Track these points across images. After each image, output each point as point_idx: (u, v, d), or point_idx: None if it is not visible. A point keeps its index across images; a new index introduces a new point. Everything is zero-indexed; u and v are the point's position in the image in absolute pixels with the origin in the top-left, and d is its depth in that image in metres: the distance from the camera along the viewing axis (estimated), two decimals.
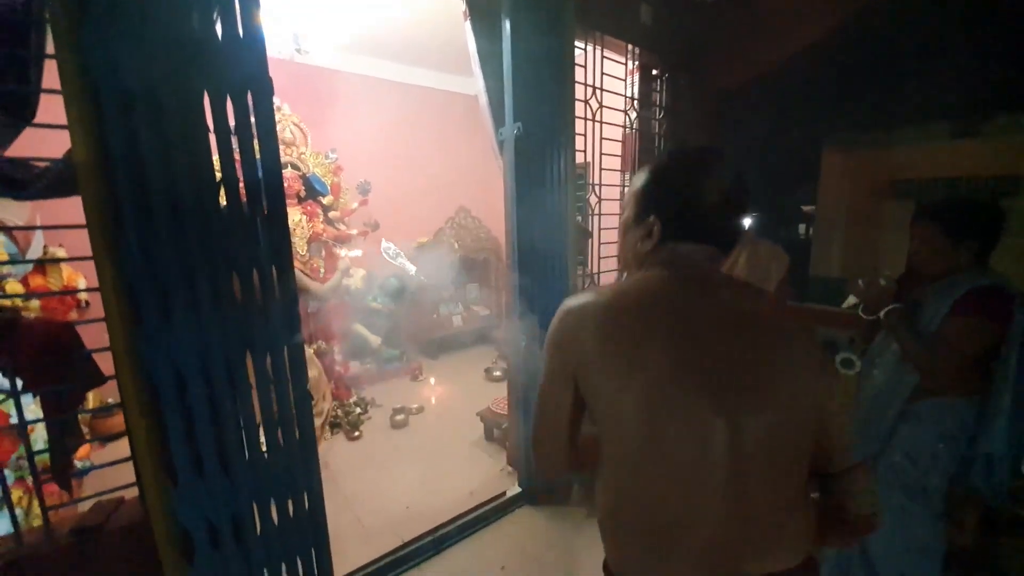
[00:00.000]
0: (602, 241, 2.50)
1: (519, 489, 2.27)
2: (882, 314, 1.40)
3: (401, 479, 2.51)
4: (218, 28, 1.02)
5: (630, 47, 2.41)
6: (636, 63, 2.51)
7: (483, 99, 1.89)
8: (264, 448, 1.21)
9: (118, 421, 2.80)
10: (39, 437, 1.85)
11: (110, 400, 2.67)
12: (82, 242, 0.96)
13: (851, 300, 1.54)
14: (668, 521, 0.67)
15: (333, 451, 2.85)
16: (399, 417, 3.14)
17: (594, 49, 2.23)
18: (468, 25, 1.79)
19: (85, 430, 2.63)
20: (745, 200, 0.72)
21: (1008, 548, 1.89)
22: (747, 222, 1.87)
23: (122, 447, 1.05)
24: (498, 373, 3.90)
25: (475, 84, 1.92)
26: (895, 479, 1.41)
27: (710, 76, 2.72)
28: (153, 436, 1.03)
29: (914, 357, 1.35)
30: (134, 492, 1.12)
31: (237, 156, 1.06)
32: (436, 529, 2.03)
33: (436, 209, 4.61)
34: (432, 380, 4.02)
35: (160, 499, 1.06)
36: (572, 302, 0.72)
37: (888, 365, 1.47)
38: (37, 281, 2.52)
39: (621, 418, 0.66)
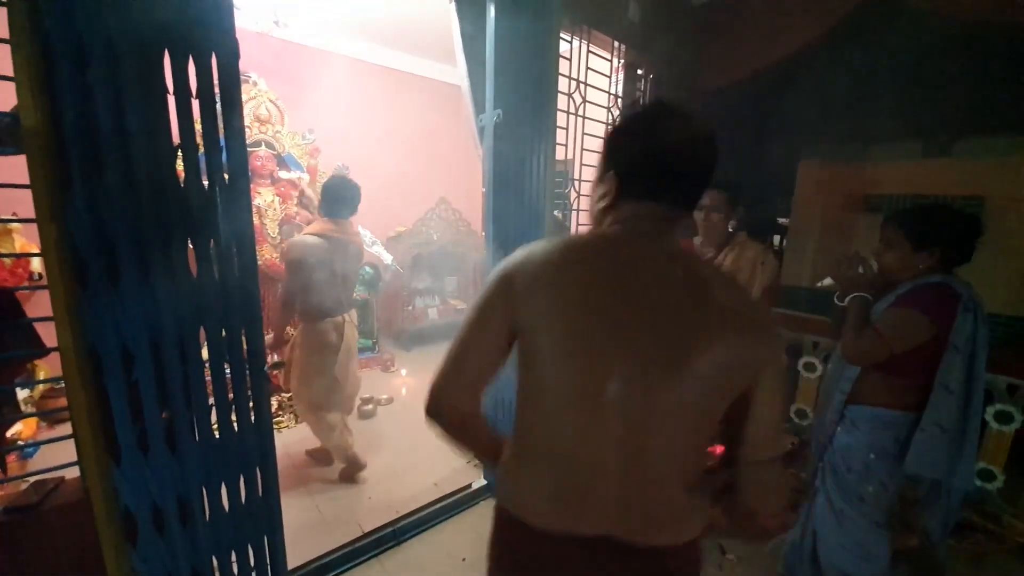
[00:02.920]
0: None
1: (484, 481, 2.26)
2: (846, 300, 1.38)
3: (368, 469, 2.46)
4: None
5: (616, 44, 2.41)
6: (622, 61, 2.52)
7: (465, 84, 1.86)
8: (216, 429, 1.16)
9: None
10: None
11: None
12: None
13: (827, 281, 1.49)
14: (569, 469, 0.67)
15: (295, 439, 2.78)
16: (367, 407, 3.09)
17: (580, 43, 2.23)
18: (453, 7, 1.76)
19: (32, 408, 2.49)
20: (707, 159, 0.67)
21: (955, 551, 1.99)
22: (733, 223, 1.85)
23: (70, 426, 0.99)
24: None
25: (459, 70, 1.89)
26: (833, 481, 1.42)
27: (694, 79, 2.74)
28: (95, 412, 0.97)
29: (844, 342, 1.33)
30: (75, 472, 1.06)
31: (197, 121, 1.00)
32: (398, 520, 2.00)
33: (416, 199, 4.54)
34: (404, 371, 3.97)
35: (101, 479, 1.00)
36: (529, 246, 0.72)
37: (836, 360, 1.48)
38: None
39: (538, 359, 0.67)
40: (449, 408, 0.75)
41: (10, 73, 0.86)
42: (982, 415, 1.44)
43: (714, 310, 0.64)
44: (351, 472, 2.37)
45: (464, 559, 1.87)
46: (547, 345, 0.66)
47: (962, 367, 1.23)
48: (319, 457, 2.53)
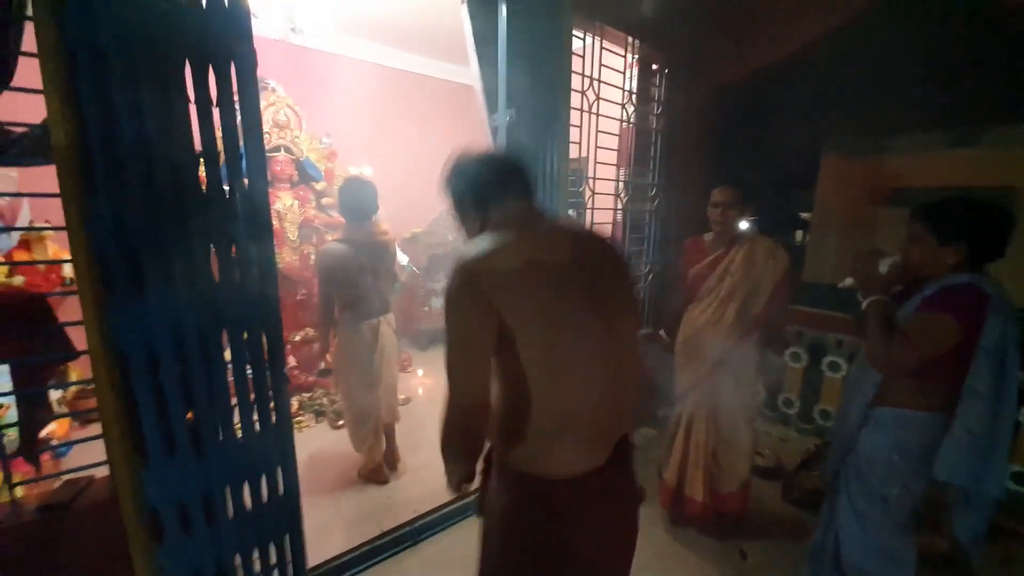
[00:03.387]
0: None
1: None
2: (864, 303, 1.32)
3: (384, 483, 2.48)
4: None
5: (630, 39, 2.38)
6: (636, 56, 2.49)
7: (478, 84, 1.86)
8: (239, 430, 1.19)
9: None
10: (11, 414, 1.82)
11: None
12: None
13: (848, 281, 1.42)
14: (585, 419, 0.84)
15: (316, 439, 2.82)
16: None
17: (593, 39, 2.21)
18: (464, 7, 1.76)
19: (65, 409, 2.59)
20: (514, 164, 0.93)
21: (984, 555, 1.90)
22: (744, 224, 1.83)
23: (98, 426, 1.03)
24: None
25: (471, 71, 1.89)
26: (856, 482, 1.38)
27: (710, 73, 2.69)
28: (123, 413, 1.00)
29: (869, 350, 1.28)
30: (105, 471, 1.09)
31: (218, 128, 1.03)
32: (415, 520, 2.02)
33: (431, 200, 4.55)
34: (420, 372, 4.00)
35: (129, 478, 1.03)
36: (472, 256, 0.79)
37: (860, 361, 1.43)
38: (22, 256, 2.47)
39: (534, 348, 0.79)
40: (477, 442, 0.91)
41: (38, 86, 0.89)
42: (1016, 420, 1.38)
43: (609, 256, 0.89)
44: (368, 477, 2.40)
45: None
46: (539, 333, 0.78)
47: (992, 370, 1.17)
48: (369, 475, 2.43)
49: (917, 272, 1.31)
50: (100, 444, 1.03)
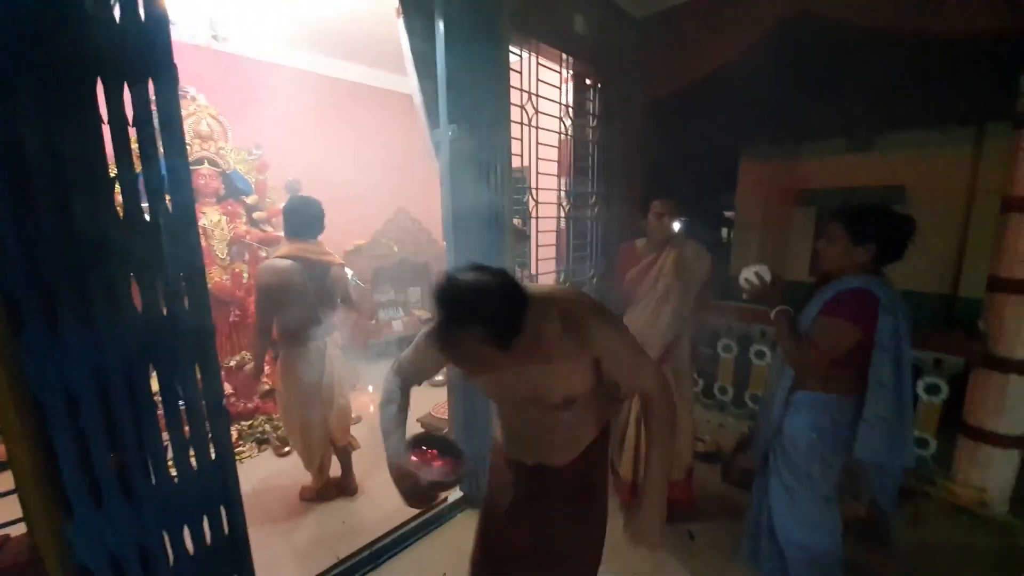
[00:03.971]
0: (540, 244, 2.55)
1: (460, 493, 2.25)
2: (772, 314, 1.51)
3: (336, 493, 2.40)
4: (116, 10, 0.92)
5: (565, 56, 2.48)
6: (571, 72, 2.59)
7: (418, 99, 1.86)
8: (174, 471, 1.10)
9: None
10: None
11: None
12: None
13: (747, 273, 1.60)
14: (517, 435, 1.20)
15: (260, 468, 2.66)
16: None
17: (530, 56, 2.27)
18: (401, 23, 1.76)
19: None
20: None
21: (896, 514, 2.16)
22: (677, 225, 1.98)
23: (7, 478, 0.92)
24: (439, 378, 3.83)
25: (411, 85, 1.89)
26: (783, 461, 1.54)
27: (640, 88, 2.86)
28: (40, 463, 0.90)
29: (785, 354, 1.47)
30: (23, 528, 0.98)
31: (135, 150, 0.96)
32: (374, 543, 1.96)
33: (373, 211, 4.46)
34: (370, 387, 3.88)
35: (52, 535, 0.93)
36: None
37: (779, 353, 1.61)
38: None
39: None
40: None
41: None
42: (914, 394, 1.60)
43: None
44: (314, 498, 2.33)
45: (444, 574, 1.86)
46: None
47: (891, 363, 1.35)
48: (314, 495, 2.38)
49: (829, 267, 1.48)
50: (11, 500, 0.93)
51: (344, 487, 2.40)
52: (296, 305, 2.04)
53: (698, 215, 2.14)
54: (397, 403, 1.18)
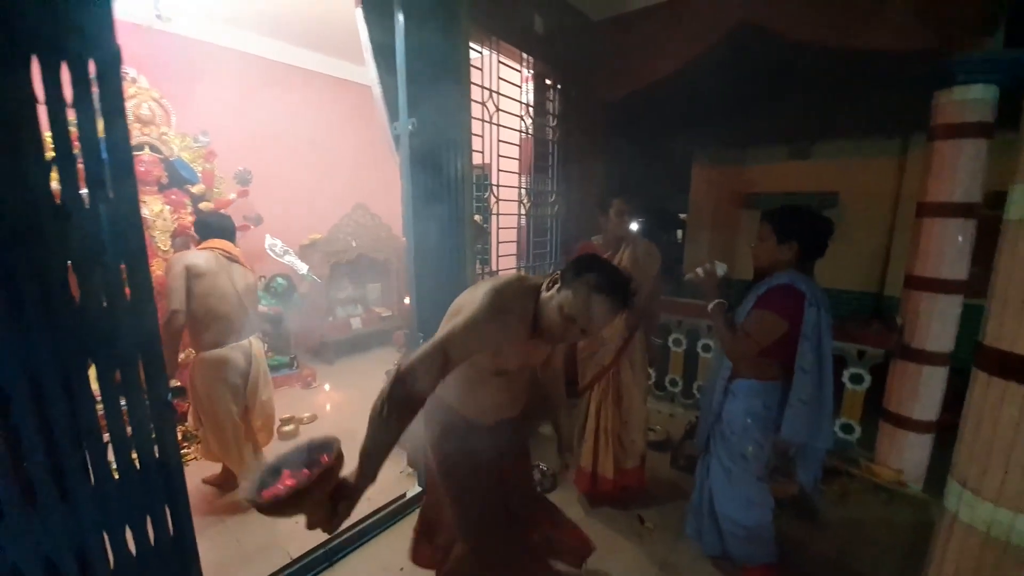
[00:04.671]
0: (500, 240, 2.58)
1: (419, 489, 2.26)
2: (709, 307, 1.64)
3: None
4: None
5: (525, 56, 2.52)
6: (531, 71, 2.63)
7: (376, 90, 1.84)
8: (114, 469, 1.05)
9: None
10: None
11: None
12: None
13: (692, 275, 1.74)
14: (496, 400, 1.34)
15: (208, 468, 2.54)
16: (287, 428, 2.92)
17: (490, 53, 2.30)
18: (359, 12, 1.73)
19: None
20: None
21: (825, 493, 2.36)
22: (633, 225, 2.09)
23: None
24: None
25: (369, 76, 1.87)
26: (722, 444, 1.67)
27: (598, 89, 2.94)
28: None
29: (721, 343, 1.60)
30: None
31: (74, 134, 0.91)
32: (329, 540, 1.93)
33: (330, 205, 4.34)
34: (327, 386, 3.79)
35: None
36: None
37: (718, 345, 1.74)
38: None
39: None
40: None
41: None
42: (837, 380, 1.76)
43: None
44: (216, 483, 2.31)
45: (402, 569, 1.86)
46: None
47: (813, 351, 1.49)
48: (220, 483, 2.34)
49: (762, 265, 1.61)
50: None
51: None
52: (215, 300, 2.00)
53: (654, 216, 2.25)
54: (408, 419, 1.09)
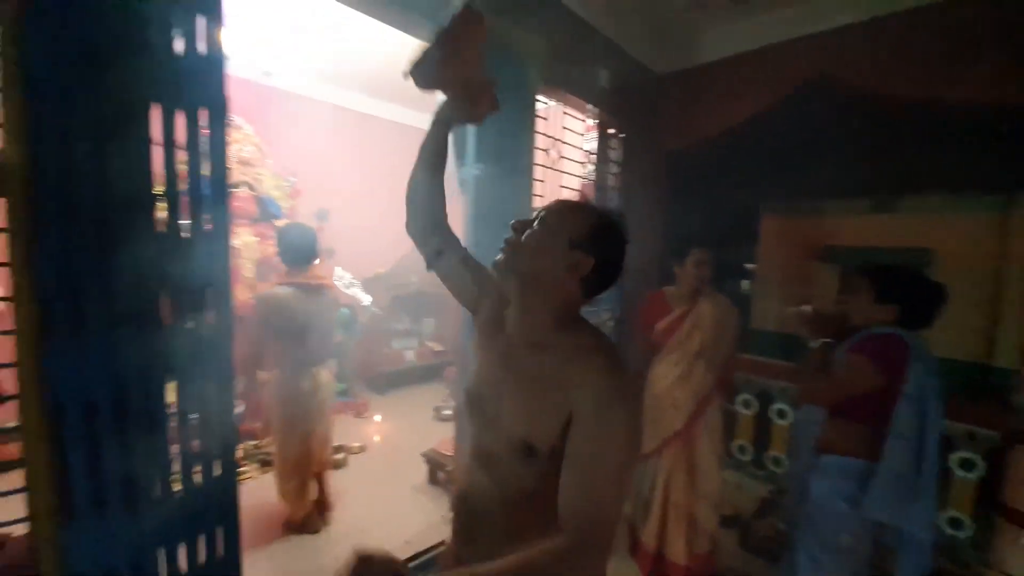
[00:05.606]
0: None
1: None
2: (813, 344, 1.45)
3: (333, 525, 2.34)
4: (178, 42, 1.01)
5: (589, 106, 2.58)
6: (595, 121, 2.69)
7: (448, 139, 1.95)
8: (179, 486, 1.11)
9: (14, 449, 2.47)
10: None
11: (10, 424, 2.36)
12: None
13: (796, 310, 1.56)
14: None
15: (259, 490, 2.62)
16: (338, 456, 2.96)
17: (556, 105, 2.38)
18: None
19: None
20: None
21: None
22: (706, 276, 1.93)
23: (15, 478, 0.93)
24: (448, 412, 3.79)
25: None
26: (810, 530, 1.43)
27: (661, 139, 2.94)
28: (51, 465, 0.92)
29: (804, 383, 1.41)
30: (23, 529, 0.98)
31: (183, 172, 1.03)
32: None
33: (395, 241, 4.57)
34: (378, 417, 3.85)
35: (52, 538, 0.93)
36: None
37: (804, 409, 1.54)
38: None
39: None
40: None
41: None
42: (942, 463, 1.49)
43: None
44: (298, 529, 2.28)
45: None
46: None
47: (914, 415, 1.28)
48: (301, 528, 2.30)
49: (850, 322, 1.45)
50: (8, 499, 0.94)
51: (323, 509, 2.38)
52: (293, 332, 2.10)
53: (718, 265, 2.13)
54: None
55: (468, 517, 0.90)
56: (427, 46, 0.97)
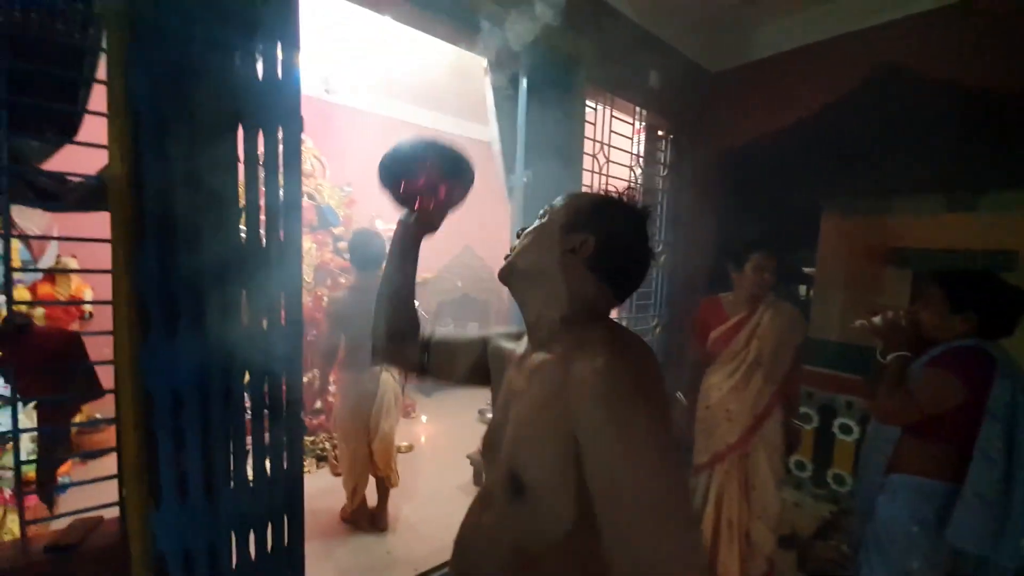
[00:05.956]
0: None
1: None
2: (888, 357, 1.34)
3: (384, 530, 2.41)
4: (259, 66, 1.10)
5: (637, 108, 2.55)
6: (643, 123, 2.65)
7: (496, 146, 1.98)
8: (251, 476, 1.19)
9: (103, 437, 2.74)
10: (23, 448, 1.81)
11: (98, 415, 2.63)
12: (94, 255, 1.00)
13: (863, 322, 1.44)
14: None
15: (314, 484, 2.76)
16: None
17: (604, 108, 2.37)
18: (488, 80, 1.92)
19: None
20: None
21: None
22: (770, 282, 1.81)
23: (104, 465, 1.04)
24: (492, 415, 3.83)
25: (488, 131, 2.03)
26: (877, 554, 1.34)
27: (713, 139, 2.85)
28: (143, 455, 1.02)
29: (876, 399, 1.30)
30: (114, 512, 1.09)
31: (262, 185, 1.11)
32: None
33: (441, 247, 4.70)
34: (424, 418, 3.95)
35: (142, 522, 1.03)
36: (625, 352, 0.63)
37: (874, 425, 1.44)
38: (45, 289, 2.55)
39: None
40: None
41: (99, 140, 0.99)
42: None
43: None
44: (351, 519, 2.38)
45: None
46: None
47: (1002, 435, 1.17)
48: (353, 518, 2.42)
49: (924, 334, 1.34)
50: (98, 484, 1.04)
51: (376, 520, 2.39)
52: (358, 332, 2.19)
53: (779, 274, 2.01)
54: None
55: (464, 565, 0.76)
56: (416, 145, 0.89)
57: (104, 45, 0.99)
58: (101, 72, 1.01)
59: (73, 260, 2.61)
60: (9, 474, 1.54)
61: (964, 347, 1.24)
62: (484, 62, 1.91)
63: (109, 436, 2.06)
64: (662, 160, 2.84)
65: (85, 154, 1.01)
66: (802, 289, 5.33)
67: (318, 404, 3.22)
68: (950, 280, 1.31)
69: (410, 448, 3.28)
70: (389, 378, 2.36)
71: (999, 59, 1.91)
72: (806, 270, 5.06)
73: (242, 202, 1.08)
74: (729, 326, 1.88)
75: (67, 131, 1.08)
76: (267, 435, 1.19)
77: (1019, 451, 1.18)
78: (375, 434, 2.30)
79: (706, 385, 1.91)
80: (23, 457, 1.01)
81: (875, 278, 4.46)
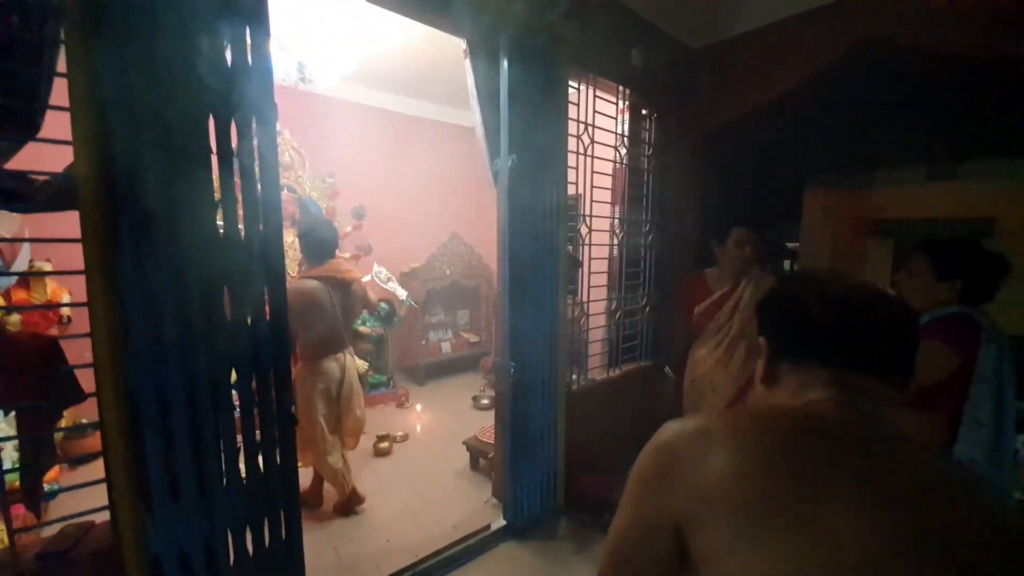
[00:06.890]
0: (592, 271, 2.54)
1: (504, 522, 2.22)
2: None
3: (382, 509, 2.43)
4: (228, 55, 1.06)
5: (621, 88, 2.52)
6: (627, 102, 2.63)
7: (480, 131, 1.95)
8: (243, 473, 1.18)
9: (90, 442, 2.69)
10: (6, 456, 1.78)
11: (84, 420, 2.58)
12: (71, 256, 0.96)
13: None
14: None
15: (305, 476, 2.76)
16: (383, 445, 3.07)
17: (587, 88, 2.34)
18: (468, 63, 1.87)
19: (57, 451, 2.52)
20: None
21: None
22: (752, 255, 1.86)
23: (93, 469, 1.03)
24: (486, 401, 3.85)
25: (471, 116, 1.99)
26: None
27: (697, 117, 2.84)
28: (131, 457, 1.00)
29: None
30: (105, 516, 1.08)
31: (237, 178, 1.08)
32: (416, 564, 1.96)
33: (429, 235, 4.66)
34: (418, 407, 3.95)
35: (133, 524, 1.02)
36: (677, 424, 0.56)
37: None
38: (20, 295, 2.47)
39: None
40: None
41: (64, 136, 0.94)
42: (1016, 446, 1.40)
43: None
44: (349, 507, 2.39)
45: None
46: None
47: (991, 398, 1.20)
48: (307, 501, 2.43)
49: (913, 305, 1.36)
50: (89, 488, 1.03)
51: (352, 502, 2.41)
52: (317, 321, 2.21)
53: (763, 249, 2.03)
54: None
55: None
56: None
57: (63, 38, 0.94)
58: (61, 65, 0.97)
59: (47, 264, 2.53)
60: None
61: (951, 315, 1.26)
62: (464, 43, 1.87)
63: (96, 440, 2.03)
64: (647, 139, 2.83)
65: (48, 151, 0.97)
66: (786, 264, 5.41)
67: None
68: (935, 248, 1.32)
69: (405, 437, 3.29)
70: (352, 361, 2.42)
71: (976, 28, 1.92)
72: (789, 245, 5.14)
73: (218, 195, 1.05)
74: (713, 300, 1.92)
75: (28, 129, 1.03)
76: (257, 431, 1.17)
77: (1006, 414, 1.22)
78: (348, 419, 2.37)
79: (692, 359, 1.96)
80: (7, 466, 0.99)
81: (858, 250, 4.55)
